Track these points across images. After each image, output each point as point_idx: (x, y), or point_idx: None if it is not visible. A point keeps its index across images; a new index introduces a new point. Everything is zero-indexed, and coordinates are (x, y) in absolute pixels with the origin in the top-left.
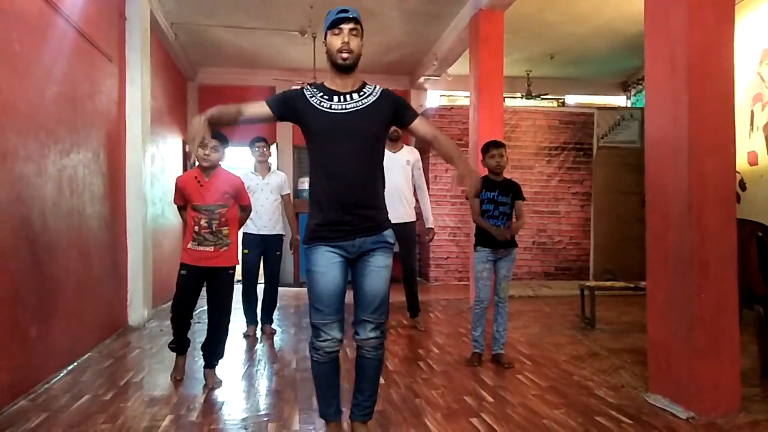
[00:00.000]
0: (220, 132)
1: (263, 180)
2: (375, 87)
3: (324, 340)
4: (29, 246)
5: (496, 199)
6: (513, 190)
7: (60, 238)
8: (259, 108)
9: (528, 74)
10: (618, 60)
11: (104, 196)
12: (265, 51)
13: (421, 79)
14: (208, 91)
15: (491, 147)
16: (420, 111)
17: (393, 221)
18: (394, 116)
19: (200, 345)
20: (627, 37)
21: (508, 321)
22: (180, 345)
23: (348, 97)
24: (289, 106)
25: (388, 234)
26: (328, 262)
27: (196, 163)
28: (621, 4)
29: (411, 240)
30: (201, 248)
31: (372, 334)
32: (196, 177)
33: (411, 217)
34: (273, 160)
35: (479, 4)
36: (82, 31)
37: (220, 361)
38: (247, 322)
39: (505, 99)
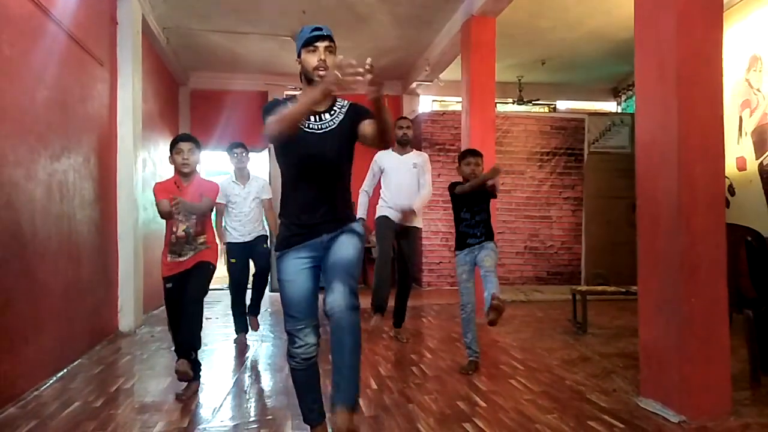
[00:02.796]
0: (193, 136)
1: (244, 189)
2: (343, 104)
3: (299, 347)
4: (18, 251)
5: (472, 207)
6: (484, 191)
7: (50, 243)
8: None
9: (519, 80)
10: (608, 66)
11: (95, 201)
12: (258, 56)
13: (413, 85)
14: (200, 95)
15: (468, 155)
16: (412, 116)
17: (397, 221)
18: (352, 130)
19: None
20: (617, 43)
21: (497, 287)
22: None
23: (321, 116)
24: None
25: (355, 225)
26: (296, 269)
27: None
28: (611, 10)
29: (413, 243)
30: (180, 259)
31: (346, 297)
32: (175, 182)
33: (417, 222)
34: (265, 169)
35: (471, 11)
36: (73, 35)
37: (196, 352)
38: (236, 329)
39: (497, 104)
